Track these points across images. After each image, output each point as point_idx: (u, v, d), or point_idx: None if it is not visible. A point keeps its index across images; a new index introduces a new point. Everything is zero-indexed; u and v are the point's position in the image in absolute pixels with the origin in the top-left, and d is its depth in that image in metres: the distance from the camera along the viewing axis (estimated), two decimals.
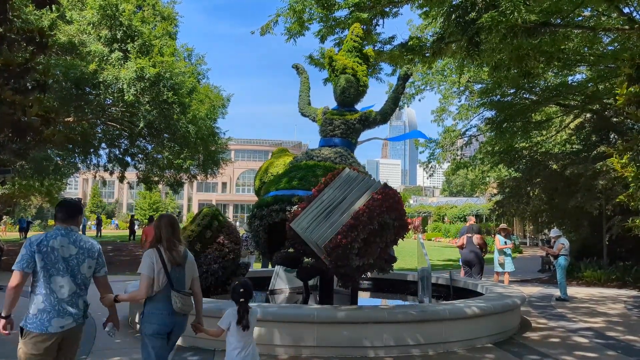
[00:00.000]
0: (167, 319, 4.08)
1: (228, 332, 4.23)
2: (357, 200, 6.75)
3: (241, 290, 4.24)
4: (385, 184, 6.95)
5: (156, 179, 25.53)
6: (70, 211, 3.99)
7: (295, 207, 7.63)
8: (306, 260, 8.23)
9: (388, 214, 6.63)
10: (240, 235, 10.36)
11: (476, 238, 12.01)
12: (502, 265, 12.58)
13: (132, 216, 41.03)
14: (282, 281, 10.43)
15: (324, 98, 11.30)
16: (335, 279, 9.30)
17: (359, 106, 9.71)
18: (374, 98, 10.10)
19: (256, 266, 15.07)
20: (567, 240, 12.48)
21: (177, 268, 4.13)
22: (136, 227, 36.49)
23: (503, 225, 13.53)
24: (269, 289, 10.03)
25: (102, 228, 40.83)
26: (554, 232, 12.88)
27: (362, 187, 6.97)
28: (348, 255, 6.44)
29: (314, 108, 9.77)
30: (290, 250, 7.96)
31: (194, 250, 8.37)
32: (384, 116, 9.42)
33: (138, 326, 7.76)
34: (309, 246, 7.20)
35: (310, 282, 9.35)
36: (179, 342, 6.95)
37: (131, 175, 26.62)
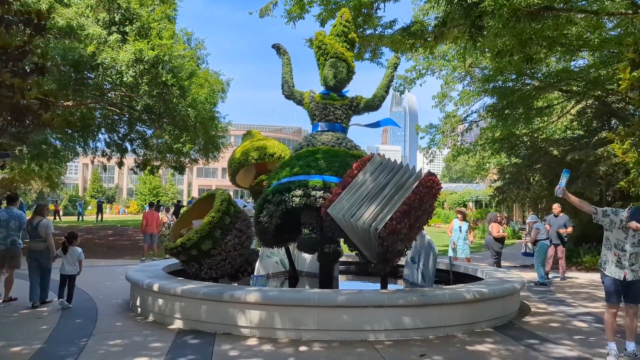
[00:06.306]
0: (30, 254, 8.64)
1: (62, 257, 8.39)
2: (403, 186, 6.87)
3: (67, 235, 8.55)
4: (430, 172, 7.06)
5: (157, 163, 25.39)
6: (9, 200, 9.25)
7: (319, 192, 7.66)
8: (326, 247, 8.07)
9: (430, 201, 6.88)
10: None
11: (495, 226, 12.11)
12: (455, 250, 12.31)
13: (179, 201, 34.33)
14: (265, 266, 10.02)
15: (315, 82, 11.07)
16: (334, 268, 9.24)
17: None
18: (375, 83, 9.98)
19: None
20: (542, 225, 12.37)
21: (33, 228, 8.65)
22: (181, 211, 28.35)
23: (460, 209, 13.41)
24: (254, 274, 9.37)
25: (102, 213, 40.96)
26: (531, 217, 12.96)
27: (402, 173, 7.07)
28: (397, 240, 6.64)
29: (300, 91, 9.55)
30: (313, 235, 7.83)
31: (214, 237, 8.01)
32: (378, 102, 9.40)
33: (140, 309, 7.85)
34: (340, 231, 7.34)
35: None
36: (181, 325, 7.05)
37: (131, 160, 26.41)
